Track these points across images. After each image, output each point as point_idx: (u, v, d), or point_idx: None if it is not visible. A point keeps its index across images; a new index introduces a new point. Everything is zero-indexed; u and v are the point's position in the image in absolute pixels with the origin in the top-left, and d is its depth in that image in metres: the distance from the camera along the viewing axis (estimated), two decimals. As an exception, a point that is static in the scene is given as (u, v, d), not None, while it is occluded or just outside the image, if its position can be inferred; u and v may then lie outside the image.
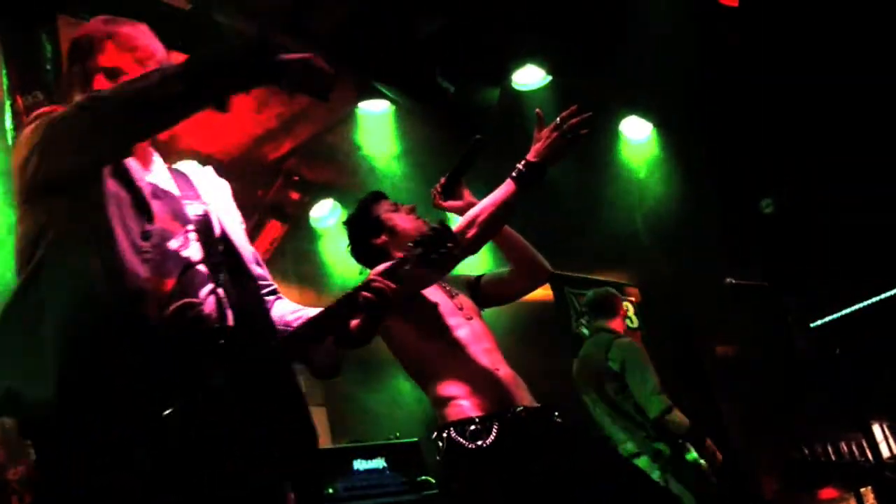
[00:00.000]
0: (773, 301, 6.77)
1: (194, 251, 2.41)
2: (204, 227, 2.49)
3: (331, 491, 5.45)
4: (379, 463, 5.87)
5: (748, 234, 8.65)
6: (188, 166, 2.69)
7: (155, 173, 2.52)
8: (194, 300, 2.32)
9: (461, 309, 3.54)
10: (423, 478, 5.84)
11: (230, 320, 2.39)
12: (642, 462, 5.33)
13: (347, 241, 3.82)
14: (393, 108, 7.47)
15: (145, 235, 2.30)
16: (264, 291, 2.68)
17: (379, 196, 3.84)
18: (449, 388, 3.33)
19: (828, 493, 7.57)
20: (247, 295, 2.50)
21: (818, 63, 7.31)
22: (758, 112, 7.79)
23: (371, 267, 3.58)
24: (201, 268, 2.40)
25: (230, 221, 2.61)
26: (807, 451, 7.47)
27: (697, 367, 8.82)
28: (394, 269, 2.55)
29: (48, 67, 4.29)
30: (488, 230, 3.29)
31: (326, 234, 8.60)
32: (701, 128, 8.14)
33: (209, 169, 2.74)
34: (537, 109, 3.31)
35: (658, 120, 8.43)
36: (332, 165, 8.52)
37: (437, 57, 6.88)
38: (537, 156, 3.19)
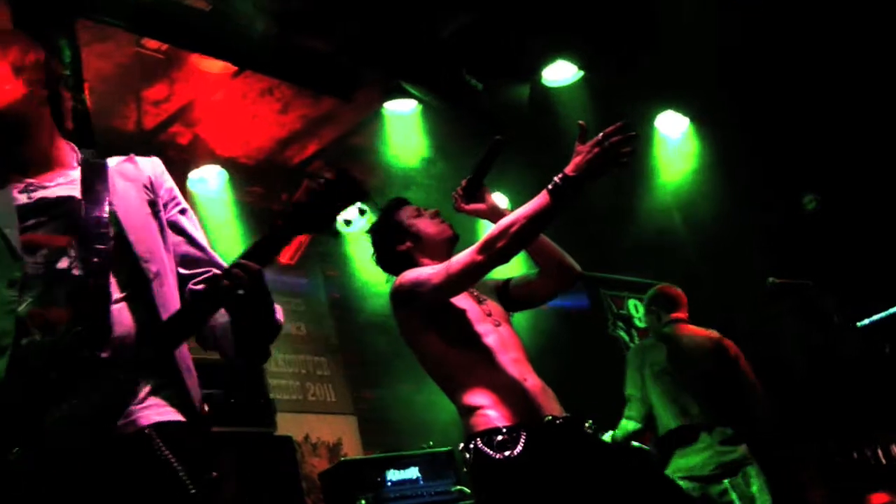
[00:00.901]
0: (817, 300, 6.69)
1: (82, 266, 2.33)
2: (97, 233, 2.39)
3: (363, 502, 5.43)
4: (412, 473, 5.85)
5: (790, 230, 8.55)
6: (114, 160, 2.58)
7: (58, 177, 2.47)
8: (82, 325, 2.26)
9: (490, 315, 3.51)
10: (458, 487, 5.81)
11: (119, 332, 2.30)
12: (740, 451, 5.37)
13: (372, 251, 3.81)
14: (420, 107, 7.46)
15: (11, 283, 2.27)
16: (200, 279, 2.55)
17: (401, 202, 3.81)
18: (476, 397, 3.30)
19: (878, 498, 7.45)
20: (142, 301, 2.38)
21: (863, 53, 7.22)
22: (800, 104, 7.71)
23: (397, 275, 3.58)
24: (94, 282, 2.32)
25: (135, 219, 2.48)
26: (855, 455, 7.37)
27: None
28: (260, 248, 2.37)
29: (68, 73, 4.31)
30: (519, 242, 3.23)
31: (353, 237, 8.59)
32: (739, 121, 8.06)
33: (135, 158, 2.63)
34: (580, 122, 3.21)
35: (694, 114, 8.36)
36: (358, 168, 8.52)
37: (465, 54, 6.85)
38: (576, 170, 3.08)
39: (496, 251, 3.19)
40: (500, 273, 3.66)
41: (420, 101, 7.29)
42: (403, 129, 7.68)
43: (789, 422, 8.15)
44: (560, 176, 3.10)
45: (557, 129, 7.64)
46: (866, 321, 7.56)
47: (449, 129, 7.61)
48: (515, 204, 8.73)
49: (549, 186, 3.11)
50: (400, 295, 3.44)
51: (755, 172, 8.25)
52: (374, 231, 3.79)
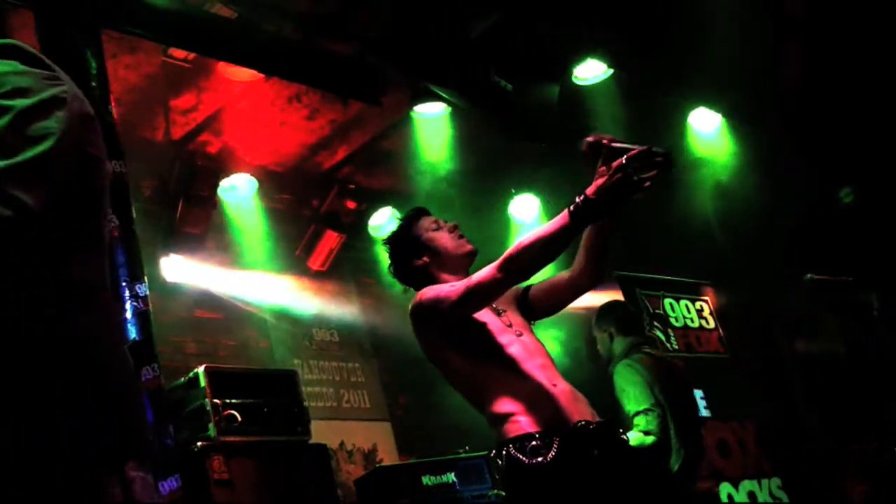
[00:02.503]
0: (857, 295, 6.61)
1: None
2: None
3: (399, 509, 5.43)
4: (448, 478, 5.82)
5: (828, 225, 8.46)
6: None
7: None
8: None
9: (510, 326, 3.49)
10: (495, 492, 5.78)
11: None
12: None
13: (389, 262, 3.79)
14: (449, 110, 7.44)
15: None
16: None
17: (419, 214, 3.78)
18: (506, 405, 3.29)
19: (921, 494, 7.40)
20: None
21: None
22: (834, 97, 7.62)
23: (416, 288, 3.55)
24: None
25: None
26: (896, 450, 7.30)
27: (779, 367, 8.66)
28: None
29: (94, 84, 4.32)
30: (539, 261, 3.20)
31: (386, 242, 8.59)
32: (774, 116, 7.98)
33: None
34: (605, 140, 3.11)
35: (727, 110, 8.29)
36: (388, 172, 8.52)
37: (493, 55, 6.82)
38: (596, 193, 3.01)
39: (515, 269, 3.19)
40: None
41: (449, 103, 7.27)
42: (433, 132, 7.67)
43: (831, 417, 8.08)
44: (581, 197, 3.04)
45: (589, 127, 7.62)
46: (907, 316, 7.47)
47: (478, 130, 7.59)
48: (545, 205, 8.73)
49: (570, 207, 3.06)
50: (419, 312, 3.43)
51: (790, 167, 8.18)
52: (392, 243, 3.78)
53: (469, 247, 3.67)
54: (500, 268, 3.18)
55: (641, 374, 5.54)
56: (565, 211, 3.08)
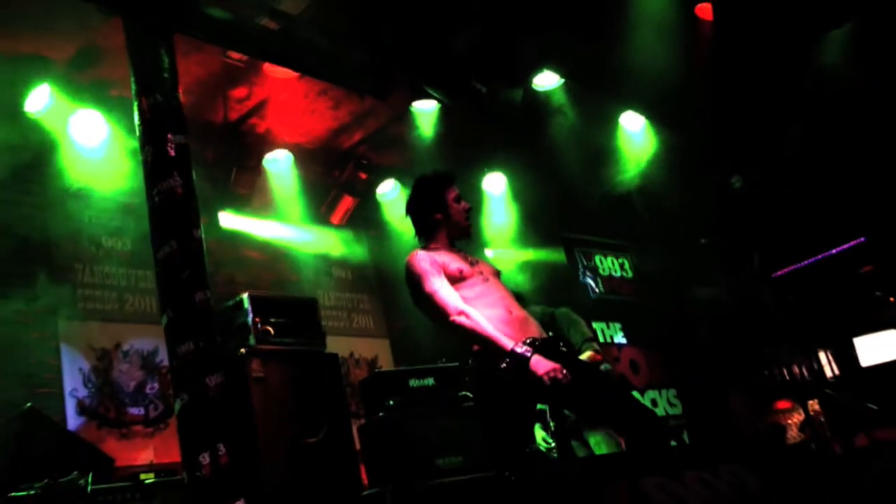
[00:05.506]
0: (742, 256, 6.63)
1: None
2: None
3: (391, 403, 5.45)
4: (429, 382, 5.84)
5: (722, 202, 8.47)
6: None
7: None
8: None
9: (481, 273, 3.52)
10: (464, 393, 5.82)
11: None
12: None
13: (413, 195, 3.72)
14: (439, 106, 7.42)
15: None
16: None
17: (453, 181, 3.72)
18: None
19: (782, 404, 7.52)
20: None
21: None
22: (729, 105, 7.60)
23: (415, 224, 3.59)
24: None
25: None
26: (766, 373, 7.38)
27: (684, 309, 8.70)
28: None
29: (166, 75, 4.28)
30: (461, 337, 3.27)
31: (389, 206, 8.62)
32: (685, 120, 7.96)
33: None
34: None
35: (649, 114, 8.27)
36: (393, 152, 8.47)
37: (473, 66, 6.79)
38: (536, 364, 3.10)
39: (447, 325, 3.27)
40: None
41: (439, 101, 7.24)
42: (427, 122, 7.66)
43: (721, 347, 8.14)
44: (529, 352, 3.12)
45: (544, 123, 7.59)
46: (779, 273, 7.51)
47: (461, 122, 7.55)
48: (510, 181, 8.68)
49: (517, 350, 3.13)
50: (407, 270, 3.45)
51: (696, 158, 8.17)
52: (424, 188, 3.71)
53: (469, 232, 3.69)
54: (451, 316, 3.26)
55: (579, 312, 5.54)
56: (512, 347, 3.15)
